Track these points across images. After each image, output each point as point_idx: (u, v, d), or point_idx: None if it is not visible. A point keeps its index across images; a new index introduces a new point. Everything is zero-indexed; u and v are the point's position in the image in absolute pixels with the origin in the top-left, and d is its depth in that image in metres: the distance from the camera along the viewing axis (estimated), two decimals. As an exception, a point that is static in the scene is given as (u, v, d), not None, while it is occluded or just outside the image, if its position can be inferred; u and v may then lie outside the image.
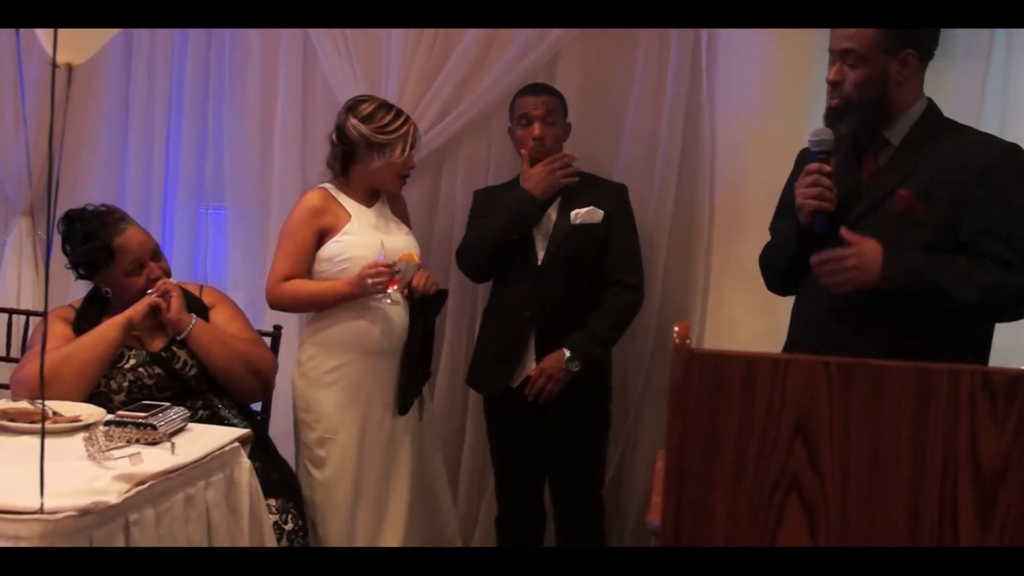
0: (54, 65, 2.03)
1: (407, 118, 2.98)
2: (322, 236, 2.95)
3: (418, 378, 3.06)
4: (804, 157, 2.44)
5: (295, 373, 3.04)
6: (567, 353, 2.98)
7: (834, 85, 2.26)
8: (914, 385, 1.18)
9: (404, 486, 3.05)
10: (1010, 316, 2.28)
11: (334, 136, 2.99)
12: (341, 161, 2.99)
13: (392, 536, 3.02)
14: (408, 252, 2.91)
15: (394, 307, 2.94)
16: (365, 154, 2.95)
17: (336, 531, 2.93)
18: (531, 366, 3.04)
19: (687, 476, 1.24)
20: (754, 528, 1.23)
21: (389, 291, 2.86)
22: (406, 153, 2.96)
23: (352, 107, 2.98)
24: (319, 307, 2.98)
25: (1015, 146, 2.21)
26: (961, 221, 2.16)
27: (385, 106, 2.98)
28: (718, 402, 1.22)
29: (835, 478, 1.20)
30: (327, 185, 3.03)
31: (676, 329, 1.22)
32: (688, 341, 1.22)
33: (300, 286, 2.93)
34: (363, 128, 2.92)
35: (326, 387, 2.96)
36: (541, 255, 3.05)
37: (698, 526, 1.24)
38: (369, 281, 2.81)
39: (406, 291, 2.96)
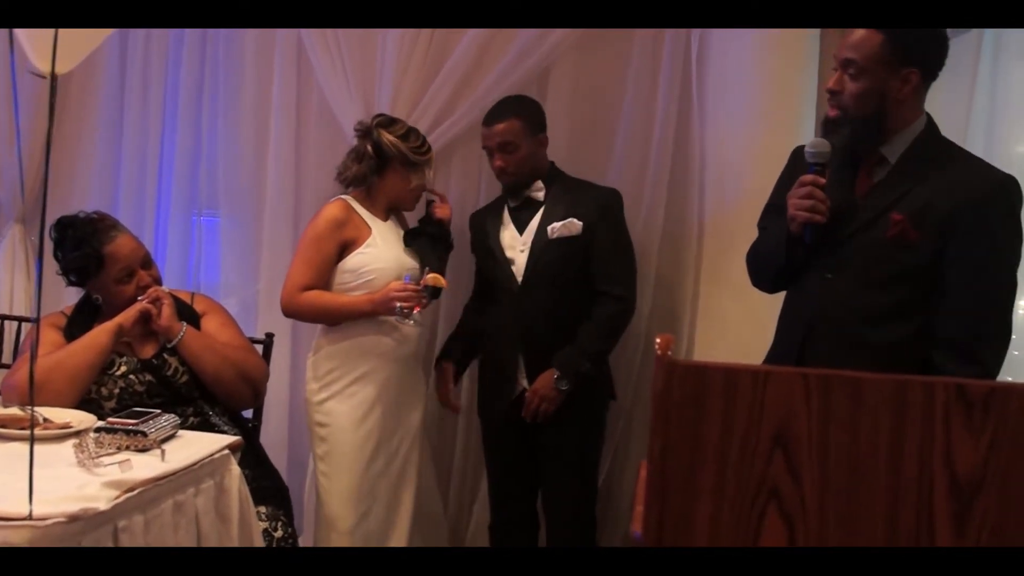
0: (53, 74, 2.03)
1: (430, 145, 3.08)
2: (344, 248, 2.98)
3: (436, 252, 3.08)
4: (798, 156, 2.42)
5: (310, 388, 3.05)
6: (556, 372, 2.98)
7: (833, 94, 2.24)
8: (891, 396, 1.19)
9: (410, 497, 3.09)
10: None
11: (369, 148, 3.01)
12: (374, 172, 3.02)
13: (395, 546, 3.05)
14: (435, 276, 2.94)
15: (417, 327, 3.00)
16: (398, 169, 3.01)
17: (345, 544, 2.94)
18: (523, 384, 3.05)
19: (669, 485, 1.25)
20: (735, 537, 1.24)
21: (415, 313, 2.90)
22: (429, 177, 3.08)
23: (386, 124, 3.03)
24: (338, 320, 3.01)
25: (1011, 179, 2.19)
26: (947, 249, 2.15)
27: (415, 130, 3.07)
28: (699, 413, 1.23)
29: (814, 487, 1.22)
30: (347, 197, 3.06)
31: (658, 341, 1.24)
32: (670, 352, 1.24)
33: (321, 298, 2.96)
34: (401, 145, 2.99)
35: (347, 398, 2.98)
36: (520, 276, 3.05)
37: (680, 535, 1.26)
38: (398, 304, 2.86)
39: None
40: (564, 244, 3.02)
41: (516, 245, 3.07)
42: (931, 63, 2.24)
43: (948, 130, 2.47)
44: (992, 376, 2.17)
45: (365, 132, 3.03)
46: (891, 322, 2.21)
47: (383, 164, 3.01)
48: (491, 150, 3.04)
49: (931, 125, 2.28)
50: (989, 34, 2.97)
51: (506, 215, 3.12)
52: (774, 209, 2.46)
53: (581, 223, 3.02)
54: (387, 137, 2.99)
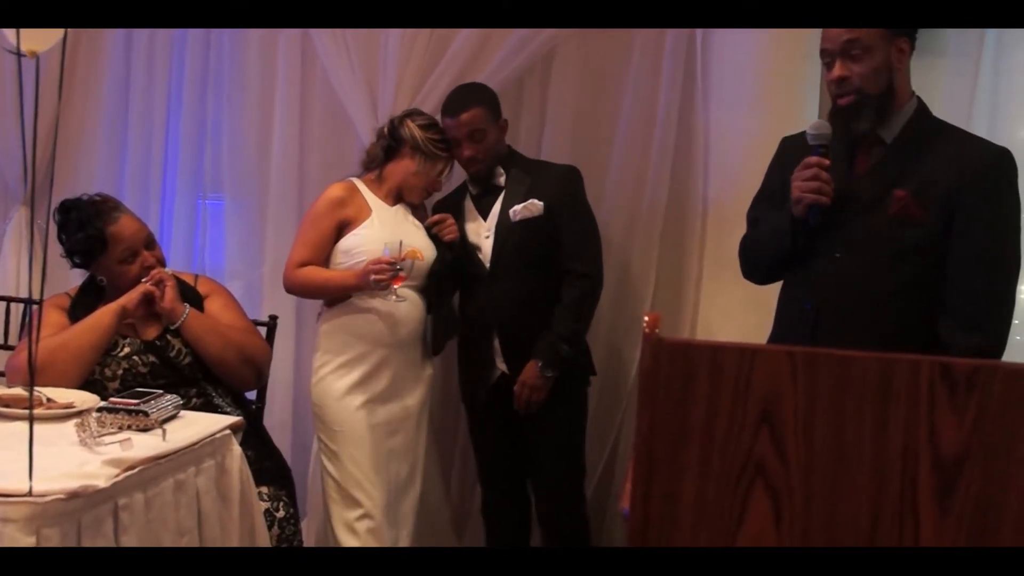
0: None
1: (449, 146, 3.05)
2: (342, 228, 3.00)
3: (446, 312, 3.09)
4: (786, 146, 2.45)
5: (313, 367, 3.07)
6: (539, 365, 2.98)
7: (841, 82, 2.23)
8: (876, 374, 1.20)
9: (412, 476, 3.10)
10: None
11: (385, 130, 3.06)
12: (384, 154, 3.05)
13: (405, 526, 3.08)
14: (413, 249, 2.92)
15: (403, 302, 2.96)
16: (408, 155, 3.02)
17: (351, 524, 2.95)
18: (501, 367, 3.07)
19: (656, 462, 1.26)
20: (721, 513, 1.26)
21: (394, 288, 2.88)
22: (442, 174, 3.07)
23: (412, 113, 3.07)
24: (328, 295, 3.03)
25: (1006, 151, 2.23)
26: (951, 224, 2.18)
27: (439, 126, 3.06)
28: (686, 390, 1.24)
29: (799, 464, 1.23)
30: (354, 179, 3.08)
31: (646, 319, 1.24)
32: (657, 330, 1.24)
33: (312, 273, 2.98)
34: (418, 133, 3.00)
35: (338, 379, 2.99)
36: (487, 261, 3.05)
37: (666, 511, 1.27)
38: (372, 278, 2.84)
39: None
40: (527, 226, 3.01)
41: (481, 231, 3.07)
42: (912, 33, 2.28)
43: (952, 114, 2.49)
44: (999, 345, 2.20)
45: (392, 118, 3.08)
46: (902, 299, 2.23)
47: (395, 147, 3.04)
48: (459, 140, 3.02)
49: (922, 105, 2.31)
50: (992, 18, 2.96)
51: (469, 202, 3.12)
52: (765, 199, 2.47)
53: (542, 203, 3.01)
54: (407, 122, 3.02)
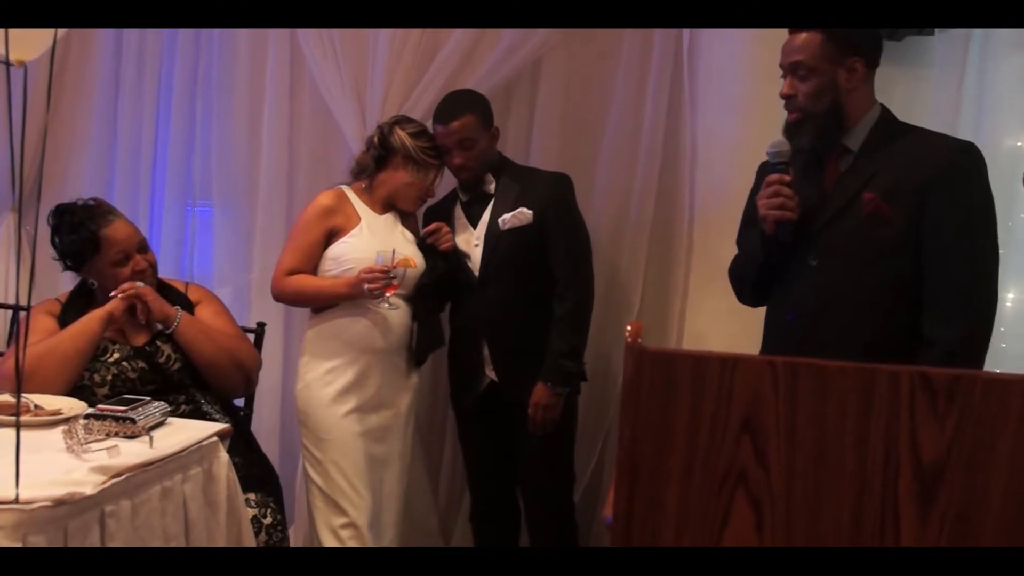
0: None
1: (440, 153, 3.05)
2: (331, 235, 2.99)
3: (432, 324, 3.08)
4: (764, 171, 2.49)
5: (299, 374, 3.06)
6: (549, 384, 2.98)
7: (788, 99, 2.33)
8: (857, 384, 1.21)
9: (398, 489, 3.10)
10: None
11: (375, 139, 3.04)
12: (374, 163, 3.04)
13: (387, 534, 3.07)
14: (406, 257, 2.92)
15: (396, 310, 2.96)
16: (400, 164, 3.01)
17: (336, 531, 2.95)
18: (490, 375, 3.07)
19: (639, 470, 1.27)
20: (703, 521, 1.26)
21: (387, 296, 2.88)
22: (434, 182, 3.06)
23: (400, 121, 3.06)
24: (319, 303, 3.01)
25: (971, 145, 2.28)
26: (923, 220, 2.22)
27: (429, 133, 3.05)
28: (668, 399, 1.25)
29: (781, 473, 1.24)
30: (343, 187, 3.08)
31: (628, 328, 1.25)
32: (640, 339, 1.25)
33: (303, 281, 2.97)
34: (408, 141, 2.99)
35: (324, 386, 2.98)
36: (477, 270, 3.05)
37: (649, 519, 1.28)
38: (366, 286, 2.84)
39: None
40: (517, 234, 3.01)
41: (470, 239, 3.07)
42: (871, 51, 2.32)
43: (937, 124, 2.52)
44: (984, 333, 2.22)
45: (380, 126, 3.07)
46: (882, 300, 2.26)
47: (386, 157, 3.03)
48: (449, 148, 3.01)
49: (886, 112, 2.36)
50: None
51: (458, 210, 3.12)
52: (748, 223, 2.51)
53: (531, 212, 3.01)
54: (397, 131, 3.01)
